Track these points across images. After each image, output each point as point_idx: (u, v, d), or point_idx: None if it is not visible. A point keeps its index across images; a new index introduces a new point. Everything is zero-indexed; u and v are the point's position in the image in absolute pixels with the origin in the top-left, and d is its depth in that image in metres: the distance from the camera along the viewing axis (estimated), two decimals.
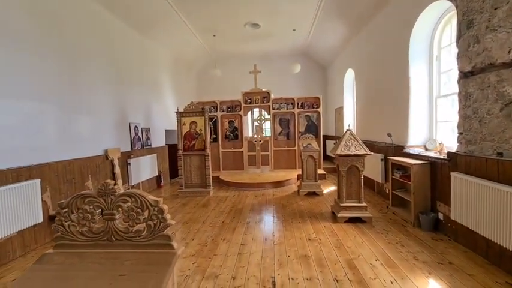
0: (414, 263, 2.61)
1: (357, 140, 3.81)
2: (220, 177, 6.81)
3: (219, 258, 2.85)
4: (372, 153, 3.91)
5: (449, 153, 3.14)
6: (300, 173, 5.73)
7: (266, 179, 6.39)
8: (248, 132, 9.71)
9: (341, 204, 3.83)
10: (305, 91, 9.37)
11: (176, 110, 5.79)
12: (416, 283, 2.28)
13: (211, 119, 7.54)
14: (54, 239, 0.76)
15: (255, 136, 7.46)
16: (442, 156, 3.29)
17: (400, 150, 4.25)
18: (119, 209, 0.74)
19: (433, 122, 4.00)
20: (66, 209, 0.76)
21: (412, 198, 3.53)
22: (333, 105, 9.01)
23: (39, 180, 3.26)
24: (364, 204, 3.80)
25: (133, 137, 5.58)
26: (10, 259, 2.96)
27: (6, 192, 2.84)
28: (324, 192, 5.45)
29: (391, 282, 2.30)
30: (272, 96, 7.51)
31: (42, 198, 3.32)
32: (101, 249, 0.72)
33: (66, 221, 0.76)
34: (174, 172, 7.40)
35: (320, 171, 6.81)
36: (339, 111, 8.21)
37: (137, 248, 0.72)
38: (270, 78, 9.27)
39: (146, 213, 0.73)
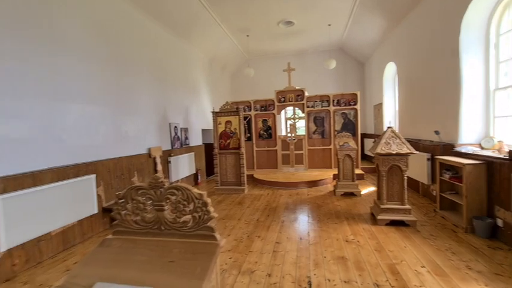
0: (467, 272, 2.38)
1: (400, 138, 3.58)
2: (254, 175, 6.90)
3: (254, 255, 2.90)
4: (417, 152, 3.63)
5: (511, 152, 2.79)
6: (336, 172, 5.55)
7: (300, 178, 6.31)
8: (281, 131, 9.68)
9: (381, 206, 3.63)
10: (341, 88, 9.05)
11: (212, 110, 6.00)
12: None
13: (245, 118, 7.67)
14: (112, 225, 0.85)
15: (289, 135, 7.40)
16: (501, 156, 2.93)
17: (449, 149, 3.88)
18: (168, 201, 0.80)
19: (490, 118, 3.59)
20: (123, 200, 0.84)
21: (464, 201, 3.21)
22: (371, 101, 8.56)
23: (95, 175, 3.64)
24: (407, 206, 3.55)
25: (173, 137, 5.91)
26: (72, 245, 3.34)
27: (68, 186, 3.21)
28: (362, 192, 5.21)
29: None
30: (306, 94, 7.38)
31: (97, 191, 3.70)
32: (152, 237, 0.79)
33: (122, 210, 0.85)
34: (210, 170, 7.69)
35: (358, 171, 6.52)
36: (378, 108, 7.77)
37: (183, 238, 0.78)
38: (304, 76, 9.13)
39: (191, 205, 0.78)
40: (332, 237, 3.26)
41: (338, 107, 7.15)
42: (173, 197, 0.79)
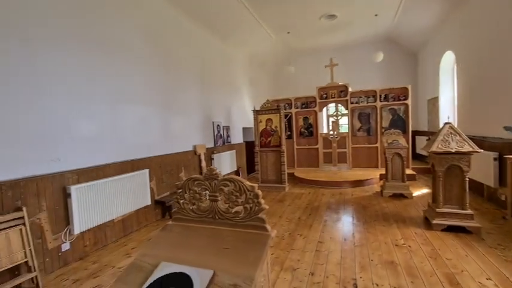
0: None
1: (460, 135, 3.21)
2: (295, 173, 6.83)
3: (296, 253, 2.89)
4: (481, 150, 3.22)
5: None
6: (383, 172, 5.21)
7: (344, 178, 6.07)
8: (323, 128, 9.41)
9: (437, 210, 3.30)
10: (389, 82, 8.41)
11: (253, 109, 6.10)
12: None
13: (285, 116, 7.63)
14: (173, 212, 0.94)
15: (331, 132, 7.16)
16: None
17: None
18: (221, 192, 0.85)
19: None
20: (181, 189, 0.92)
21: None
22: (424, 95, 7.81)
23: (148, 170, 3.99)
24: (469, 211, 3.18)
25: (216, 135, 6.17)
26: (130, 231, 3.72)
27: (127, 179, 3.58)
28: (414, 194, 4.80)
29: None
30: (350, 89, 7.04)
31: (150, 185, 4.05)
32: (206, 225, 0.85)
33: (181, 200, 0.93)
34: (250, 167, 7.84)
35: (409, 172, 6.04)
36: (433, 103, 7.06)
37: (235, 227, 0.82)
38: (348, 71, 8.71)
39: (243, 197, 0.82)
40: (380, 240, 3.08)
41: (386, 103, 6.68)
42: (226, 188, 0.84)
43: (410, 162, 6.49)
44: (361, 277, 2.37)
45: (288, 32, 7.56)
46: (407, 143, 6.29)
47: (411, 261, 2.58)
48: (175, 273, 0.68)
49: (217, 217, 0.86)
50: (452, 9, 5.31)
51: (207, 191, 0.88)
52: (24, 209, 2.46)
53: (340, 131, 7.38)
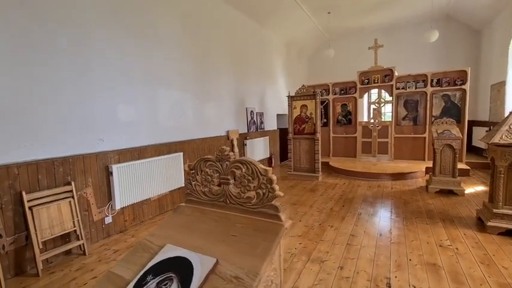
0: None
1: None
2: (330, 163, 6.55)
3: (325, 244, 2.77)
4: None
5: None
6: (431, 165, 4.71)
7: (383, 169, 5.65)
8: (363, 117, 8.81)
9: (494, 211, 2.87)
10: (444, 65, 7.45)
11: (287, 94, 5.91)
12: None
13: (322, 102, 7.27)
14: (185, 194, 0.91)
15: (372, 121, 6.65)
16: None
17: None
18: (233, 175, 0.79)
19: None
20: (194, 170, 0.88)
21: None
22: (487, 80, 6.78)
23: (182, 153, 4.13)
24: None
25: (249, 121, 6.14)
26: (165, 210, 3.94)
27: (162, 161, 3.75)
28: (466, 192, 4.27)
29: None
30: (396, 74, 6.40)
31: (184, 167, 4.20)
32: (217, 209, 0.81)
33: (193, 181, 0.89)
34: (283, 155, 7.72)
35: (462, 166, 5.39)
36: (498, 88, 6.10)
37: (247, 214, 0.76)
38: (394, 54, 7.92)
39: (256, 181, 0.74)
40: (421, 239, 2.80)
41: (438, 88, 5.95)
42: (238, 171, 0.77)
43: (464, 155, 5.77)
44: (396, 276, 2.18)
45: (329, 12, 7.07)
46: (462, 133, 5.58)
47: (457, 266, 2.30)
48: (177, 257, 0.65)
49: (228, 202, 0.81)
50: None
51: (219, 173, 0.82)
52: (72, 183, 2.71)
53: (383, 120, 6.83)
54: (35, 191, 2.47)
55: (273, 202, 0.72)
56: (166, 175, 3.81)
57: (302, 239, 2.90)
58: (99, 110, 3.04)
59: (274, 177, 0.73)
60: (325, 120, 7.33)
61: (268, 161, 7.04)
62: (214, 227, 0.74)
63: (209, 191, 0.85)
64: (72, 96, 2.78)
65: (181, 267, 0.61)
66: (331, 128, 7.25)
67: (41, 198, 2.48)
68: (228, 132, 5.36)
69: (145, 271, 0.62)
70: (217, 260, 0.62)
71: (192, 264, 0.62)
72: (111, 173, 3.07)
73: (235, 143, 5.49)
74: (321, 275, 2.24)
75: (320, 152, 5.65)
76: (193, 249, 0.65)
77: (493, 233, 2.84)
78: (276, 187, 0.73)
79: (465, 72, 5.67)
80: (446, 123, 4.51)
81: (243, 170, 0.76)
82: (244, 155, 5.87)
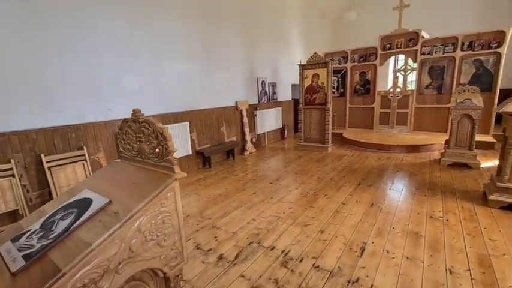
0: None
1: None
2: (343, 134, 6.40)
3: (314, 211, 2.87)
4: None
5: None
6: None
7: (398, 141, 5.41)
8: (387, 85, 8.25)
9: (499, 184, 2.71)
10: (482, 25, 6.53)
11: (299, 63, 5.71)
12: None
13: (339, 71, 6.94)
14: (118, 151, 1.04)
15: (391, 90, 6.25)
16: None
17: None
18: (143, 134, 0.89)
19: None
20: (120, 131, 1.00)
21: None
22: None
23: (189, 122, 4.32)
24: None
25: (260, 91, 6.11)
26: None
27: (169, 130, 3.97)
28: (482, 166, 4.00)
29: None
30: (425, 36, 5.78)
31: (191, 136, 4.43)
32: (137, 163, 0.93)
33: (121, 140, 1.01)
34: (298, 125, 7.65)
35: (487, 138, 5.00)
36: None
37: (152, 167, 0.87)
38: (424, 15, 7.09)
39: (157, 139, 0.84)
40: (412, 210, 2.78)
41: (469, 52, 5.32)
42: (146, 131, 0.87)
43: (492, 127, 5.28)
44: (373, 242, 2.24)
45: None
46: (493, 103, 5.07)
47: (440, 236, 2.28)
48: (85, 198, 0.80)
49: (143, 157, 0.92)
50: None
51: (135, 133, 0.93)
52: (84, 148, 3.05)
53: (409, 88, 6.35)
54: (52, 154, 2.82)
55: (168, 157, 0.82)
56: (174, 143, 4.06)
57: (293, 205, 3.03)
58: (106, 79, 3.26)
59: (168, 135, 0.82)
60: (342, 90, 7.03)
61: (281, 132, 7.07)
62: (125, 178, 0.88)
63: (132, 149, 0.97)
64: (81, 69, 3.00)
65: (83, 205, 0.76)
66: (347, 98, 6.96)
67: (57, 160, 2.84)
68: (236, 102, 5.43)
69: (59, 207, 0.79)
70: (110, 200, 0.75)
71: (91, 203, 0.76)
72: None
73: (244, 113, 5.56)
74: (300, 236, 2.38)
75: (330, 122, 5.53)
76: (100, 193, 0.80)
77: (494, 207, 2.72)
78: (170, 143, 0.82)
79: (503, 32, 4.96)
80: (468, 91, 4.11)
81: (150, 129, 0.85)
82: (254, 126, 5.95)
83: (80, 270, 0.60)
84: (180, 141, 4.17)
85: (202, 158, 4.67)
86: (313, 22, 8.17)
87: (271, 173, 4.27)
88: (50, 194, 2.82)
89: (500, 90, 5.21)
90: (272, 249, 2.20)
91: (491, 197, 2.74)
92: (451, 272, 1.83)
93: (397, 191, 3.30)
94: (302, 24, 7.60)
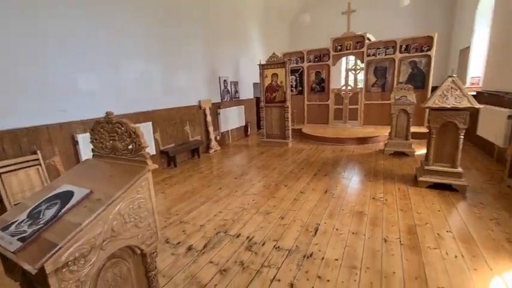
0: (503, 244, 2.08)
1: (461, 90, 2.97)
2: (303, 130, 6.84)
3: (275, 200, 3.13)
4: (480, 106, 2.98)
5: None
6: None
7: (350, 135, 5.99)
8: (341, 82, 8.93)
9: (426, 167, 3.26)
10: (420, 30, 7.46)
11: (258, 63, 5.96)
12: (492, 264, 1.86)
13: (297, 70, 7.36)
14: (92, 150, 1.14)
15: (343, 88, 6.84)
16: None
17: None
18: (116, 133, 1.01)
19: None
20: (93, 131, 1.10)
21: None
22: (457, 46, 6.92)
23: (151, 122, 4.30)
24: (459, 169, 3.09)
25: (223, 90, 6.24)
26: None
27: None
28: (417, 153, 4.67)
29: (455, 257, 1.97)
30: (372, 39, 6.44)
31: (154, 136, 4.41)
32: (111, 160, 1.04)
33: (94, 139, 1.11)
34: (260, 123, 7.95)
35: (422, 130, 5.78)
36: (465, 54, 6.29)
37: (127, 161, 1.00)
38: (370, 20, 7.84)
39: (130, 137, 0.97)
40: (359, 194, 3.20)
41: (406, 54, 6.09)
42: (119, 130, 0.99)
43: (426, 120, 6.11)
44: (325, 223, 2.56)
45: None
46: (426, 99, 5.86)
47: (380, 213, 2.70)
48: (66, 191, 0.90)
49: (117, 154, 1.04)
50: None
51: (108, 132, 1.04)
52: (39, 152, 2.91)
53: (359, 87, 6.99)
54: (1, 160, 2.66)
55: (141, 152, 0.96)
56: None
57: (256, 197, 3.26)
58: (59, 81, 3.12)
59: (140, 133, 0.96)
60: (300, 88, 7.48)
61: (245, 129, 7.29)
62: (101, 172, 0.99)
63: (105, 147, 1.08)
64: (31, 68, 2.85)
65: (66, 196, 0.87)
66: (305, 96, 7.43)
67: (8, 166, 2.68)
68: (200, 101, 5.49)
69: (42, 201, 0.88)
70: (91, 190, 0.87)
71: (73, 194, 0.87)
72: (77, 142, 3.25)
73: (207, 112, 5.65)
74: (263, 223, 2.61)
75: (290, 119, 5.90)
76: (80, 186, 0.91)
77: (422, 187, 3.25)
78: (143, 140, 0.97)
79: (431, 38, 5.79)
80: (404, 89, 4.75)
81: (123, 129, 0.98)
82: (218, 124, 6.07)
83: (72, 245, 0.71)
84: None
85: (167, 158, 4.67)
86: (272, 23, 8.50)
87: (236, 168, 4.46)
88: (1, 201, 2.66)
89: (432, 87, 6.07)
90: (238, 236, 2.40)
91: (420, 179, 3.28)
92: (385, 241, 2.22)
93: (348, 179, 3.73)
94: (262, 25, 7.88)
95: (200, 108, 5.50)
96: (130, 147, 0.99)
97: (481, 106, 2.98)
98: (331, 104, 7.10)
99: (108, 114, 1.00)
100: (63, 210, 0.80)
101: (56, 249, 0.68)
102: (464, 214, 2.59)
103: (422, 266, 1.89)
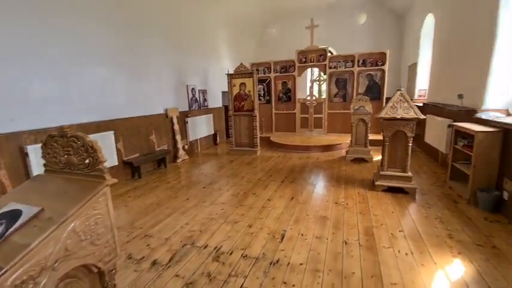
0: (446, 240, 2.34)
1: (408, 102, 3.31)
2: (271, 138, 7.00)
3: (243, 209, 3.16)
4: (424, 116, 3.36)
5: None
6: None
7: (315, 142, 6.27)
8: (306, 93, 9.35)
9: (381, 173, 3.54)
10: (375, 46, 8.14)
11: (226, 72, 6.03)
12: (436, 259, 2.08)
13: (264, 80, 7.57)
14: (44, 165, 1.08)
15: (309, 98, 7.18)
16: None
17: (471, 114, 3.49)
18: (71, 147, 0.98)
19: None
20: (45, 145, 1.05)
21: (472, 171, 2.98)
22: (406, 61, 7.68)
23: (113, 132, 4.10)
24: (409, 174, 3.41)
25: (191, 98, 6.17)
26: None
27: None
28: (375, 159, 5.05)
29: (406, 254, 2.16)
30: (334, 53, 6.88)
31: (116, 146, 4.20)
32: (66, 175, 1.00)
33: (46, 154, 1.06)
34: (229, 131, 7.96)
35: (380, 137, 6.22)
36: (413, 69, 6.99)
37: (83, 177, 0.97)
38: (334, 34, 8.39)
39: (87, 151, 0.95)
40: (323, 199, 3.36)
41: (363, 68, 6.61)
42: (75, 144, 0.97)
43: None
44: (291, 229, 2.65)
45: None
46: (381, 109, 6.38)
47: (341, 216, 2.86)
48: (13, 210, 0.85)
49: (72, 169, 1.01)
50: None
51: (63, 146, 1.00)
52: None
53: (323, 97, 7.38)
54: None
55: (99, 166, 0.94)
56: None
57: (225, 206, 3.26)
58: (6, 88, 2.86)
59: (98, 147, 0.94)
60: (268, 97, 7.68)
61: (214, 138, 7.25)
62: (55, 189, 0.95)
63: (59, 161, 1.03)
64: None
65: (12, 216, 0.82)
66: (273, 105, 7.64)
67: None
68: (166, 110, 5.37)
69: None
70: (42, 208, 0.83)
71: (21, 213, 0.82)
72: (27, 155, 2.99)
73: (175, 120, 5.54)
74: (231, 233, 2.62)
75: (258, 127, 6.02)
76: (29, 204, 0.86)
77: (378, 190, 3.52)
78: (100, 155, 0.95)
79: (384, 54, 6.37)
80: (362, 100, 5.14)
81: (79, 143, 0.95)
82: (186, 133, 5.97)
83: (19, 268, 0.67)
84: (104, 151, 3.90)
85: (130, 169, 4.47)
86: (240, 34, 8.66)
87: (205, 178, 4.42)
88: None
89: (386, 98, 6.63)
90: (205, 247, 2.37)
91: (376, 183, 3.55)
92: (346, 243, 2.36)
93: (313, 185, 3.89)
94: (230, 36, 8.00)
95: (167, 116, 5.38)
96: (87, 161, 0.96)
97: (425, 117, 3.35)
98: (298, 113, 7.39)
99: (63, 128, 0.97)
100: (10, 231, 0.75)
101: (1, 272, 0.64)
102: (414, 214, 2.85)
103: (378, 265, 2.04)
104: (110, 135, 4.04)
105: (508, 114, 3.15)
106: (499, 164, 2.87)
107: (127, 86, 4.42)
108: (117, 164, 4.17)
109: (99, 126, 3.93)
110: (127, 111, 4.44)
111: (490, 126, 2.98)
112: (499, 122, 2.89)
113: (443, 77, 4.76)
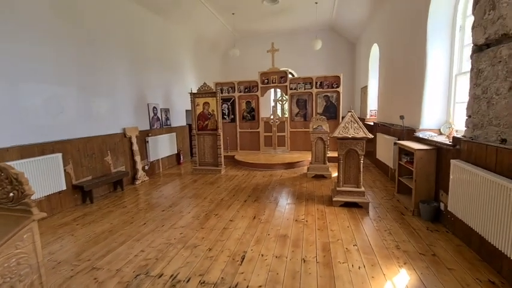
0: (393, 251, 2.51)
1: (357, 123, 3.61)
2: (235, 156, 7.02)
3: (204, 231, 3.07)
4: (372, 136, 3.68)
5: (454, 139, 2.82)
6: None
7: (279, 160, 6.42)
8: (269, 112, 9.65)
9: (338, 189, 3.74)
10: (331, 70, 8.84)
11: (190, 91, 6.02)
12: (385, 271, 2.21)
13: (229, 99, 7.68)
14: None
15: (271, 117, 7.42)
16: (447, 142, 2.97)
17: (411, 133, 3.91)
18: None
19: (451, 103, 3.57)
20: None
21: (414, 185, 3.29)
22: (359, 84, 8.43)
23: (61, 154, 3.78)
24: (362, 189, 3.65)
25: (152, 117, 5.99)
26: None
27: (32, 164, 3.37)
28: (334, 175, 5.31)
29: (359, 268, 2.27)
30: (295, 75, 7.29)
31: (65, 169, 3.86)
32: None
33: None
34: (193, 150, 7.82)
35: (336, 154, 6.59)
36: (364, 91, 7.67)
37: (9, 212, 0.89)
38: (294, 58, 8.94)
39: (11, 184, 0.88)
40: (284, 217, 3.41)
41: (321, 90, 7.08)
42: None
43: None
44: (252, 250, 2.63)
45: (233, 13, 7.43)
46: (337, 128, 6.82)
47: (301, 234, 2.93)
48: None
49: None
50: (379, 5, 5.70)
51: None
52: None
53: (286, 116, 7.67)
54: None
55: (25, 200, 0.88)
56: (39, 179, 3.44)
57: (184, 229, 3.13)
58: None
59: (24, 180, 0.88)
60: (232, 116, 7.77)
61: (177, 157, 7.04)
62: None
63: None
64: None
65: None
66: (237, 124, 7.73)
67: None
68: (124, 129, 5.13)
69: None
70: None
71: None
72: None
73: (134, 140, 5.30)
74: (189, 258, 2.51)
75: (222, 146, 6.01)
76: None
77: (336, 206, 3.69)
78: (27, 187, 0.89)
79: (338, 77, 6.92)
80: (319, 119, 5.47)
81: (2, 175, 0.88)
82: (146, 153, 5.73)
83: None
84: (49, 176, 3.58)
85: (81, 193, 4.11)
86: (204, 54, 8.78)
87: (164, 200, 4.23)
88: None
89: (342, 117, 7.13)
90: (160, 276, 2.24)
91: (334, 199, 3.73)
92: (304, 261, 2.40)
93: (275, 203, 3.95)
94: (194, 55, 8.06)
95: (125, 136, 5.13)
96: (11, 195, 0.88)
97: (373, 136, 3.67)
98: (262, 132, 7.56)
99: None
100: None
101: None
102: (366, 228, 3.03)
103: (333, 280, 2.11)
104: (58, 157, 3.71)
105: (440, 134, 3.59)
106: (435, 178, 3.22)
107: (78, 104, 4.16)
108: (65, 188, 3.82)
109: (44, 149, 3.60)
110: (78, 131, 4.15)
111: (426, 144, 3.35)
112: (432, 141, 3.27)
113: (388, 99, 5.29)
